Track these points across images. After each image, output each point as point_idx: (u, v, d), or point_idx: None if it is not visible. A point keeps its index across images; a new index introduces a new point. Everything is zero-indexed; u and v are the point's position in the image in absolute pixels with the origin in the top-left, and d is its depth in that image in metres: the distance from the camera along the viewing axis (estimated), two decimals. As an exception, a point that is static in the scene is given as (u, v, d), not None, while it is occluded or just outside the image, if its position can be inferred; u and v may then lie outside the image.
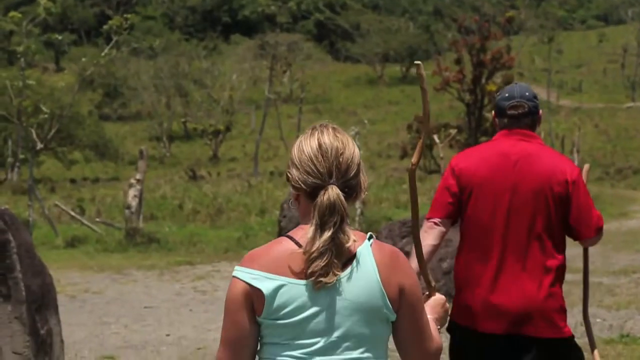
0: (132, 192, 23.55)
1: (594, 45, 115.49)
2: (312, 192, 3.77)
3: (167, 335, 12.29)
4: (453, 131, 50.95)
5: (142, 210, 24.14)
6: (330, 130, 3.89)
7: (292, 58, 79.91)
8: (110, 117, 78.53)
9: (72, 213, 27.82)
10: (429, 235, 6.14)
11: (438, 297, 4.50)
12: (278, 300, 3.85)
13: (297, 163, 3.87)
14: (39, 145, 27.07)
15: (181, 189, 39.38)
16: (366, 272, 3.88)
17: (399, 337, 4.05)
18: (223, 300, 9.30)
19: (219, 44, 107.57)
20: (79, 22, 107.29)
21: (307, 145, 3.86)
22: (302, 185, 3.82)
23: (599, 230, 6.32)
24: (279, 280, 3.84)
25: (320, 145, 3.86)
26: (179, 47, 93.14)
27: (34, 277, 8.20)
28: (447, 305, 4.52)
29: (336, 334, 3.94)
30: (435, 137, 44.53)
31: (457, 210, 6.32)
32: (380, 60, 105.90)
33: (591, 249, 14.79)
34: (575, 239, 6.33)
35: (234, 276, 3.89)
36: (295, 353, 3.95)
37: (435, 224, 6.20)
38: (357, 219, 22.67)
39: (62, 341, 8.48)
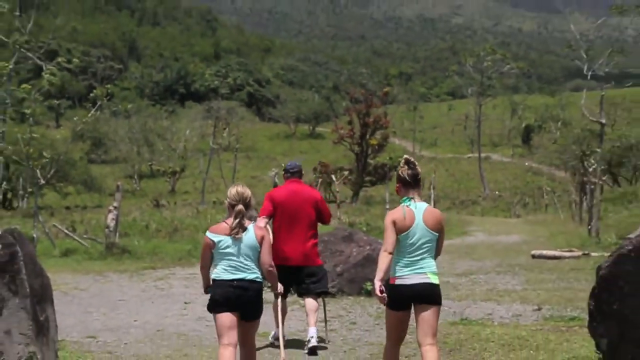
0: (110, 216, 21.96)
1: (445, 113, 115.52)
2: (233, 206, 7.00)
3: (135, 320, 11.56)
4: (346, 172, 52.68)
5: (118, 229, 23.32)
6: (240, 185, 7.17)
7: (230, 119, 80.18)
8: (95, 161, 77.09)
9: (66, 231, 27.03)
10: (262, 220, 9.20)
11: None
12: (219, 244, 6.99)
13: (229, 196, 7.11)
14: (42, 182, 26.57)
15: (147, 214, 38.55)
16: (250, 234, 7.07)
17: (259, 257, 7.17)
18: (177, 295, 15.10)
19: (176, 108, 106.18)
20: (73, 91, 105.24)
21: (233, 189, 7.13)
22: (230, 202, 7.05)
23: (330, 220, 10.21)
24: (220, 237, 7.00)
25: (237, 190, 7.09)
26: (147, 110, 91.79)
27: (36, 278, 7.55)
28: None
29: (241, 256, 7.07)
30: (333, 176, 45.40)
31: (272, 213, 9.48)
32: (294, 121, 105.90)
33: (441, 257, 18.88)
34: (323, 223, 9.97)
35: (206, 235, 7.07)
36: (225, 264, 7.05)
37: (263, 218, 9.30)
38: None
39: (56, 326, 7.90)
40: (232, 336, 6.83)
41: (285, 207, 9.20)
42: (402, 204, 6.64)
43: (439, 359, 6.63)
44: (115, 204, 22.59)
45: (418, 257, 6.58)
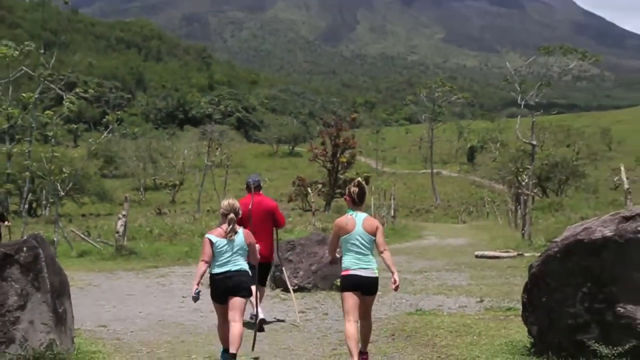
0: (120, 222, 21.38)
1: (403, 135, 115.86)
2: (225, 215, 7.63)
3: (140, 312, 11.45)
4: (320, 185, 52.62)
5: (126, 234, 23.27)
6: (231, 198, 7.93)
7: (222, 140, 79.90)
8: (107, 175, 76.77)
9: (82, 236, 26.80)
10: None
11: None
12: (216, 244, 7.59)
13: (222, 207, 7.74)
14: (62, 193, 26.52)
15: (151, 220, 38.37)
16: (240, 236, 7.72)
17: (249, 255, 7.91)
18: (177, 290, 15.63)
19: (176, 131, 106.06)
20: (89, 117, 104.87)
21: (225, 202, 7.79)
22: (223, 212, 7.67)
23: (285, 223, 10.63)
24: (217, 239, 7.60)
25: (229, 202, 7.73)
26: (151, 133, 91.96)
27: (55, 276, 7.56)
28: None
29: (234, 254, 7.67)
30: (309, 189, 45.29)
31: (246, 221, 9.46)
32: (276, 142, 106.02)
33: (400, 258, 18.73)
34: (278, 227, 10.36)
35: (205, 237, 7.62)
36: (221, 260, 7.60)
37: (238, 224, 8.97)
38: None
39: (72, 316, 7.88)
40: (228, 315, 7.51)
41: (252, 215, 9.63)
42: (347, 213, 7.35)
43: (371, 329, 7.55)
44: (124, 212, 22.50)
45: (361, 255, 7.23)
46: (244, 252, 7.64)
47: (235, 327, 7.39)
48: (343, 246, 7.35)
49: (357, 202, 7.34)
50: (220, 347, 7.73)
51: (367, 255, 7.24)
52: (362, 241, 7.22)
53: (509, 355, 7.46)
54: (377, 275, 7.27)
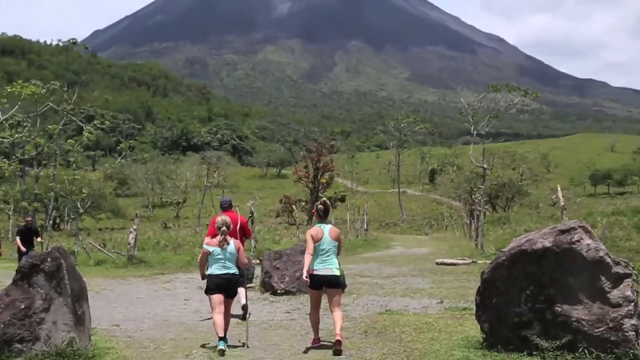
0: (131, 235, 21.86)
1: (374, 160, 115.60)
2: (219, 228, 8.23)
3: (148, 313, 11.38)
4: (303, 203, 51.79)
5: (137, 245, 23.28)
6: (224, 215, 8.55)
7: (219, 164, 79.70)
8: (120, 195, 75.99)
9: (99, 247, 26.71)
10: (207, 238, 9.13)
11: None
12: (213, 252, 8.22)
13: (217, 222, 8.30)
14: (81, 210, 26.43)
15: (158, 233, 38.32)
16: (231, 245, 8.27)
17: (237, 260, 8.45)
18: (179, 294, 17.54)
19: (180, 157, 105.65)
20: (105, 144, 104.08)
21: (219, 218, 8.34)
22: (217, 226, 8.26)
23: (250, 235, 11.52)
24: (213, 248, 8.22)
25: (222, 218, 8.33)
26: (158, 158, 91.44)
27: (75, 282, 7.58)
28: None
29: (227, 261, 8.25)
30: (294, 206, 45.05)
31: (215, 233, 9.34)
32: (265, 166, 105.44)
33: (372, 265, 18.60)
34: (246, 238, 10.92)
35: (203, 246, 8.32)
36: (217, 265, 8.22)
37: (207, 237, 9.16)
38: (252, 248, 21.11)
39: (90, 317, 7.87)
40: (221, 308, 8.12)
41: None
42: (317, 225, 8.04)
43: (343, 317, 8.13)
44: (134, 227, 22.44)
45: (327, 258, 7.89)
46: (234, 257, 8.29)
47: (225, 318, 8.23)
48: (316, 251, 7.94)
49: (323, 216, 8.04)
50: (216, 340, 8.09)
51: (330, 256, 7.89)
52: (328, 246, 7.90)
53: (464, 348, 7.44)
54: (336, 273, 7.87)
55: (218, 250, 8.16)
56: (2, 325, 6.96)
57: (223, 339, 7.95)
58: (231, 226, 8.42)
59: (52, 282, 7.34)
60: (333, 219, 37.91)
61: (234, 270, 8.24)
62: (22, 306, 7.10)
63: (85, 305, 7.79)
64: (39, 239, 17.29)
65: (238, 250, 8.33)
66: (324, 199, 8.55)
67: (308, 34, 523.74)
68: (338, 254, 8.05)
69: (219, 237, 8.19)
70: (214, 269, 8.16)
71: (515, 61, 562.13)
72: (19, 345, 6.95)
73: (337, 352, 7.59)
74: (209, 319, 9.74)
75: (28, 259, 7.49)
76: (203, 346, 8.37)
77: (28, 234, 16.83)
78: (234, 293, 8.38)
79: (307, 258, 7.88)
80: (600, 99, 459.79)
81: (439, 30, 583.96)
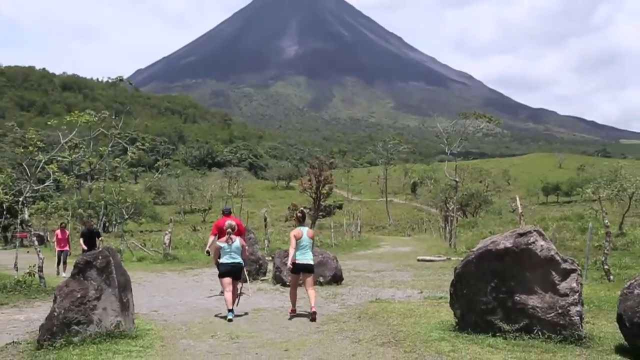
0: (166, 237, 21.73)
1: (366, 174, 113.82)
2: (226, 231, 9.20)
3: (180, 301, 11.22)
4: (307, 210, 50.84)
5: (171, 245, 23.17)
6: (230, 219, 10.09)
7: (238, 178, 79.38)
8: (158, 203, 75.36)
9: (140, 246, 26.68)
10: (211, 237, 10.79)
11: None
12: (224, 247, 9.12)
13: (226, 225, 9.31)
14: (126, 216, 26.54)
15: (188, 235, 38.14)
16: (237, 242, 9.18)
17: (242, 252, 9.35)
18: (207, 285, 14.82)
19: (206, 172, 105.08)
20: (145, 162, 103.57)
21: (228, 222, 9.38)
22: (226, 228, 9.24)
23: (244, 233, 11.51)
24: (223, 244, 9.16)
25: (229, 223, 9.29)
26: (188, 173, 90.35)
27: (121, 275, 7.56)
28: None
29: (233, 252, 9.11)
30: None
31: (217, 233, 10.62)
32: (276, 179, 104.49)
33: (364, 261, 18.29)
34: (241, 236, 10.43)
35: (217, 243, 9.33)
36: (226, 256, 9.10)
37: (212, 235, 10.57)
38: (265, 247, 21.07)
39: (133, 304, 7.84)
40: (229, 287, 9.06)
41: (224, 230, 10.05)
42: (297, 228, 8.95)
43: (315, 294, 9.16)
44: (169, 229, 22.45)
45: (305, 251, 8.84)
46: (239, 251, 9.23)
47: (232, 294, 9.14)
48: (297, 246, 8.83)
49: (302, 221, 9.10)
50: (225, 311, 9.01)
51: (307, 250, 8.86)
52: (306, 243, 8.85)
53: (440, 331, 7.42)
54: (311, 262, 8.85)
55: (227, 245, 9.17)
56: (63, 311, 7.00)
57: (231, 310, 8.89)
58: (236, 228, 9.41)
59: (103, 275, 7.35)
60: (332, 223, 38.13)
61: (239, 260, 9.20)
62: (79, 295, 7.13)
63: (130, 295, 7.77)
64: (100, 239, 17.29)
65: (242, 246, 9.34)
66: (302, 208, 10.02)
67: (311, 71, 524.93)
68: (312, 248, 9.01)
69: (226, 236, 9.26)
70: (224, 259, 9.15)
71: (482, 94, 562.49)
72: (76, 327, 7.00)
73: (313, 319, 8.56)
74: (221, 293, 11.13)
75: (83, 257, 7.48)
76: (216, 316, 9.22)
77: (90, 236, 16.92)
78: (239, 277, 9.28)
79: (291, 251, 8.78)
80: (551, 125, 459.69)
81: (420, 69, 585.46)
